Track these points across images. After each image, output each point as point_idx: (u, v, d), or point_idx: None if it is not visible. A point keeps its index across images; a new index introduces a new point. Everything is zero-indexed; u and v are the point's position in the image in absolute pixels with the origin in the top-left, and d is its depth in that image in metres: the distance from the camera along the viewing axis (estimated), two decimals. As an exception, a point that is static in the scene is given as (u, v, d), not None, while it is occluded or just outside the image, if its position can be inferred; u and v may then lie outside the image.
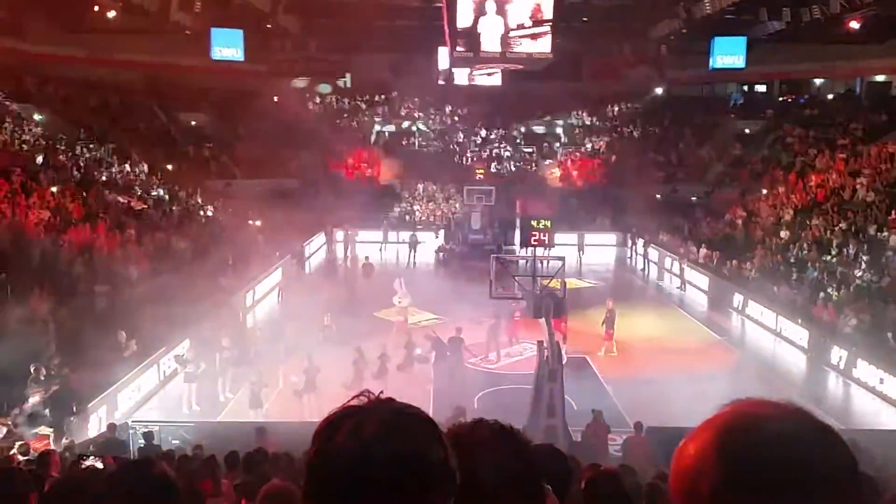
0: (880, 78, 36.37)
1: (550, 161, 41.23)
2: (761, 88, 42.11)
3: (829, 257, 22.22)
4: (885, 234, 21.83)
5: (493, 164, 39.45)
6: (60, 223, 20.14)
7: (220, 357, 15.82)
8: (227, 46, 34.00)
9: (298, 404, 14.38)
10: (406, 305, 19.84)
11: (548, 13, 19.23)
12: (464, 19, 19.27)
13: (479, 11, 19.13)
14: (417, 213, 37.07)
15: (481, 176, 37.06)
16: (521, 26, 19.31)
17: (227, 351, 16.08)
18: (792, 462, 0.99)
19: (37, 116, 29.94)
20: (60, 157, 25.29)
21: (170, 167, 32.19)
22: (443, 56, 30.46)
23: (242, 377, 15.18)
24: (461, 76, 32.03)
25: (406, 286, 20.15)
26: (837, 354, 17.64)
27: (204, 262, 21.57)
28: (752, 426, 1.03)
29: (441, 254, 32.31)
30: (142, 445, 11.09)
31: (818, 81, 39.51)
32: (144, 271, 19.62)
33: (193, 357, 15.66)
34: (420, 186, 38.68)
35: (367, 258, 28.89)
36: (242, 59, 34.52)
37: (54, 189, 22.16)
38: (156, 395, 15.88)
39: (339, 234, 33.13)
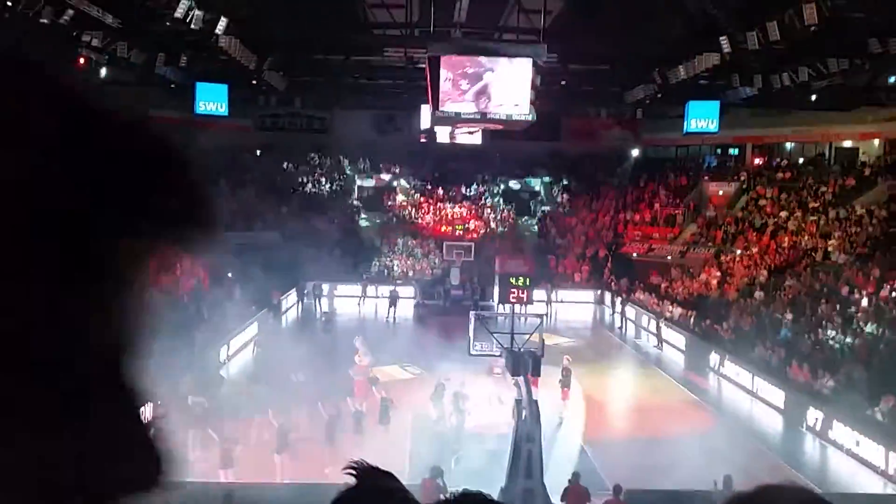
0: (847, 143, 37.57)
1: (528, 218, 41.71)
2: (735, 151, 43.18)
3: (802, 318, 22.49)
4: (856, 295, 22.20)
5: (471, 221, 39.71)
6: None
7: (190, 413, 15.42)
8: (212, 101, 34.28)
9: (271, 463, 14.01)
10: (367, 364, 19.22)
11: (528, 80, 19.79)
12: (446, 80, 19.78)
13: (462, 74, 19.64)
14: (396, 267, 37.01)
15: (460, 231, 37.23)
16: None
17: (199, 407, 15.69)
18: None
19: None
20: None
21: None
22: (425, 114, 31.00)
23: (213, 434, 14.79)
24: (443, 134, 32.54)
25: (365, 345, 19.57)
26: (813, 416, 17.67)
27: (178, 314, 21.21)
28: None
29: (420, 309, 32.22)
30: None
31: (790, 145, 40.69)
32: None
33: (163, 413, 15.24)
34: (399, 241, 38.75)
35: (326, 314, 28.87)
36: (227, 113, 34.80)
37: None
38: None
39: (317, 289, 32.87)
